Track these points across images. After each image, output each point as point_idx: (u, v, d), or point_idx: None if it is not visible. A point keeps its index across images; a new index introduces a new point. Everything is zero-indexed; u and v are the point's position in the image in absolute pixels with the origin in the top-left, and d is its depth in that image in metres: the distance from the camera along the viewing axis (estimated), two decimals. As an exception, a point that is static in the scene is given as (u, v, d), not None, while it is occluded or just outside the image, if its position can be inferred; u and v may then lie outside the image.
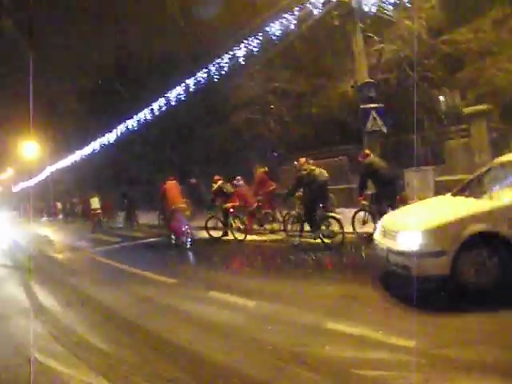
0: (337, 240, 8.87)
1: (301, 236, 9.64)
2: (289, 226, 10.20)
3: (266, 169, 13.04)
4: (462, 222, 5.00)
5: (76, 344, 4.99)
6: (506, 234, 4.90)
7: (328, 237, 9.07)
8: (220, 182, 11.99)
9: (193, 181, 16.09)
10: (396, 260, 5.40)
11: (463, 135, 12.02)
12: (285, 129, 17.26)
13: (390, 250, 5.52)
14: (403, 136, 12.96)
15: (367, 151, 9.35)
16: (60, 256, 12.49)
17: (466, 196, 5.92)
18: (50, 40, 22.25)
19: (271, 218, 12.32)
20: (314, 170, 9.46)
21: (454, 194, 6.30)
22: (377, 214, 8.42)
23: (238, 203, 11.93)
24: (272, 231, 11.90)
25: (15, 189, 52.82)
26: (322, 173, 9.50)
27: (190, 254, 10.83)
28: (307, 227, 9.50)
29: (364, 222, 9.38)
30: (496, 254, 4.92)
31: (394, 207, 8.12)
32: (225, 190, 11.83)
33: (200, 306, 6.11)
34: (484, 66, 12.49)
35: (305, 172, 9.48)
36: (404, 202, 8.61)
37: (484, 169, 6.46)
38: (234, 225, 11.61)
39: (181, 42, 18.28)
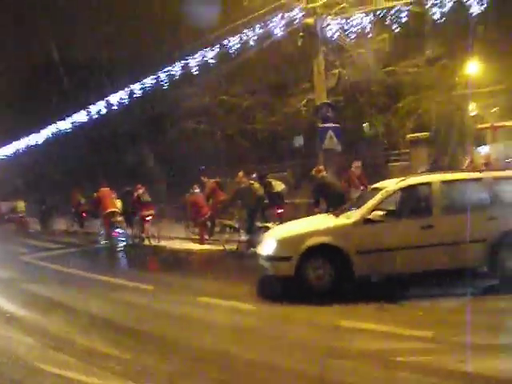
0: None
1: (239, 244, 10.22)
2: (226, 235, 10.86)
3: (218, 179, 13.13)
4: (304, 235, 6.20)
5: (83, 352, 4.61)
6: (342, 247, 5.99)
7: None
8: (140, 191, 12.51)
9: (128, 189, 15.84)
10: (262, 263, 6.59)
11: (404, 159, 13.25)
12: (229, 142, 17.45)
13: (260, 255, 6.66)
14: (348, 156, 13.85)
15: (321, 167, 9.88)
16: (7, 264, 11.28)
17: (335, 214, 6.84)
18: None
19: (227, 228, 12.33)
20: (252, 184, 10.03)
21: (331, 213, 7.18)
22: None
23: (152, 211, 12.59)
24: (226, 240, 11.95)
25: None
26: (266, 186, 10.20)
27: (137, 259, 11.19)
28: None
29: None
30: (333, 262, 5.99)
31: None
32: (141, 199, 12.37)
33: (195, 310, 6.02)
34: (421, 97, 13.94)
35: (243, 185, 9.96)
36: None
37: (364, 192, 7.59)
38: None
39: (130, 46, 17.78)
